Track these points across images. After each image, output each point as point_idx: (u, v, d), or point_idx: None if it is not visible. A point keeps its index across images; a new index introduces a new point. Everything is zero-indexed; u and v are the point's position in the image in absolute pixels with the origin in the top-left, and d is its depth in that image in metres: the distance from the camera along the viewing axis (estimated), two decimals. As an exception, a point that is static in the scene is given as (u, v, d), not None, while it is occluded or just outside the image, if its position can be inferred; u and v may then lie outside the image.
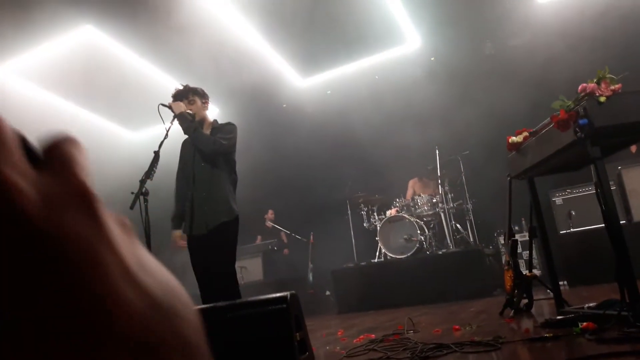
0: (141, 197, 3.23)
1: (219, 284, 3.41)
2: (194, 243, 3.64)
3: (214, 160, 3.74)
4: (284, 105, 10.23)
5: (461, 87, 8.62)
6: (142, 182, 3.30)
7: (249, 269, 8.60)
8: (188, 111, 3.76)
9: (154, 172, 3.40)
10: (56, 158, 0.22)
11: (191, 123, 3.72)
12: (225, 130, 3.85)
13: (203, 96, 4.00)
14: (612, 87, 2.73)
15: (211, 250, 3.49)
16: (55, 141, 0.23)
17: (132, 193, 3.21)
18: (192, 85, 3.97)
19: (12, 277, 0.19)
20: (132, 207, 3.16)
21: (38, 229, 0.19)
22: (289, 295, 2.35)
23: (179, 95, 3.91)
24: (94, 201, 0.22)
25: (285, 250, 9.54)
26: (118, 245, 0.22)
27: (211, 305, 2.22)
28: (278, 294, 2.39)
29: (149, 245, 3.21)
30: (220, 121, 4.05)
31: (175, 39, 7.48)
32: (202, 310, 2.23)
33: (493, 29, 8.52)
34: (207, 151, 3.68)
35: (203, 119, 3.97)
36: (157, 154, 3.53)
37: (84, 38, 7.41)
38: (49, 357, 0.18)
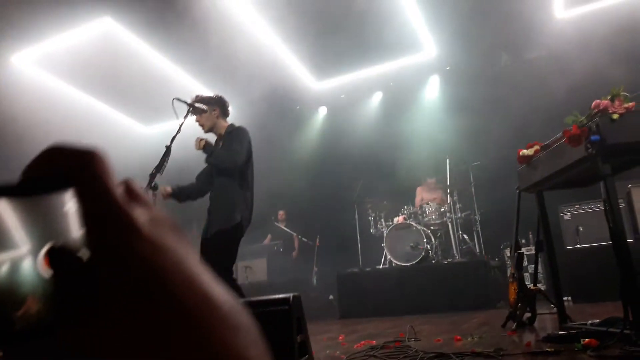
0: (150, 192, 3.26)
1: None
2: (201, 246, 3.83)
3: (225, 170, 3.83)
4: (298, 107, 10.25)
5: (475, 98, 8.59)
6: (152, 176, 3.33)
7: (254, 268, 8.62)
8: (204, 141, 3.83)
9: (165, 166, 3.42)
10: (139, 197, 0.31)
11: (209, 154, 3.82)
12: (237, 138, 3.88)
13: (212, 103, 4.01)
14: (626, 105, 2.72)
15: (207, 256, 3.59)
16: (127, 181, 0.32)
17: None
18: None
19: (139, 277, 0.27)
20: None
21: (150, 240, 0.28)
22: (291, 297, 2.36)
23: (193, 111, 3.97)
24: (179, 228, 0.32)
25: (294, 253, 9.52)
26: (202, 263, 0.31)
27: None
28: (281, 295, 2.40)
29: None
30: (236, 122, 4.08)
31: (193, 36, 7.53)
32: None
33: (511, 42, 8.50)
34: (226, 167, 3.80)
35: (213, 126, 4.01)
36: (168, 148, 3.54)
37: (102, 29, 7.46)
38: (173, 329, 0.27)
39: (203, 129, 4.02)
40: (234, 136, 3.91)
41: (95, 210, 0.28)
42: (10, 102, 7.51)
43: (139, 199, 0.31)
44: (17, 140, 7.22)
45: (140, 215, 0.29)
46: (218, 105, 4.04)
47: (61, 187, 0.28)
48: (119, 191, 0.29)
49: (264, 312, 2.23)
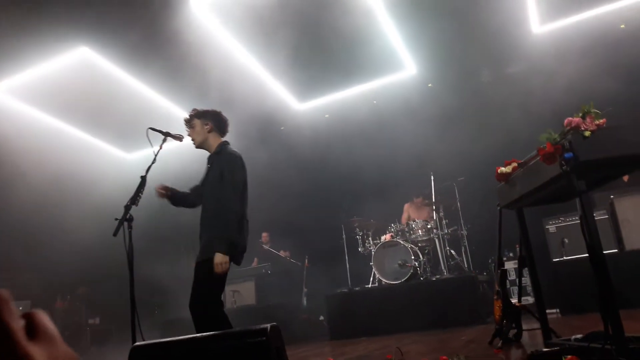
0: (125, 223, 3.19)
1: (194, 314, 3.39)
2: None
3: (213, 198, 3.62)
4: (282, 128, 10.26)
5: (458, 114, 8.66)
6: (127, 207, 3.25)
7: (242, 292, 8.54)
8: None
9: (140, 197, 3.34)
10: (41, 331, 0.33)
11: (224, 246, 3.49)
12: (229, 166, 3.63)
13: (204, 116, 3.81)
14: (597, 122, 2.74)
15: (194, 283, 3.47)
16: (30, 315, 0.34)
17: (116, 219, 3.17)
18: (188, 109, 3.90)
19: None
20: (115, 234, 3.12)
21: None
22: (269, 327, 2.33)
23: (186, 124, 3.86)
24: None
25: (288, 257, 9.49)
26: None
27: (189, 336, 2.21)
28: (258, 326, 2.37)
29: (131, 273, 3.17)
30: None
31: (174, 63, 7.55)
32: (179, 342, 2.21)
33: (490, 58, 8.59)
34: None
35: (204, 142, 3.80)
36: (143, 178, 3.46)
37: (79, 59, 7.48)
38: None
39: (194, 143, 3.82)
40: (225, 164, 3.66)
41: None
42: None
43: (41, 334, 0.32)
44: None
45: (38, 353, 0.31)
46: (212, 119, 3.82)
47: None
48: (19, 329, 0.31)
49: (240, 344, 2.20)
